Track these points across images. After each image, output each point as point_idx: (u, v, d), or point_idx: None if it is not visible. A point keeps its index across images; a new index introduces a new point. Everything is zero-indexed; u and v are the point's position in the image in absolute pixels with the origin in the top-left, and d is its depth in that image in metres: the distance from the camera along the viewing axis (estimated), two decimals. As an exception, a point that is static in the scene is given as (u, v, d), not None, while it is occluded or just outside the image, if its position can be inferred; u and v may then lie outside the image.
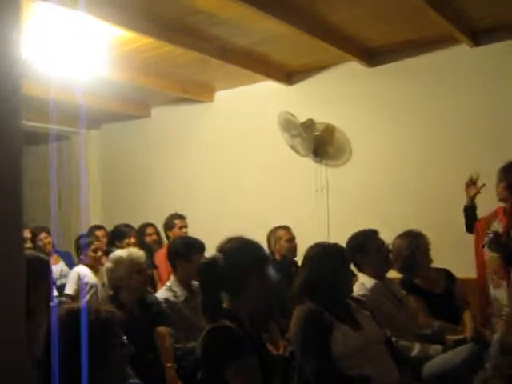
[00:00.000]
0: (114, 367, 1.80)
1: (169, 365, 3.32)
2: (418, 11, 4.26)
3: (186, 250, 3.88)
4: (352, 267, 3.36)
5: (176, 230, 5.59)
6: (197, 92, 6.38)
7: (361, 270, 3.58)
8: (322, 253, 2.99)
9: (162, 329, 3.46)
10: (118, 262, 3.47)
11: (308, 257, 3.02)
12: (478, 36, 4.85)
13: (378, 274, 3.56)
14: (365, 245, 3.57)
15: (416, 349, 3.26)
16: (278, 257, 4.84)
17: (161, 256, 5.11)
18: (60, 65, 4.80)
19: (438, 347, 3.31)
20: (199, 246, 3.90)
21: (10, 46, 0.96)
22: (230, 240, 2.48)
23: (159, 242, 5.94)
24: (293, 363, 2.87)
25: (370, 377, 2.68)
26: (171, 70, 5.58)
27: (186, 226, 5.66)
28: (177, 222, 5.65)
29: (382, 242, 3.65)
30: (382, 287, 3.50)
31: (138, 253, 3.56)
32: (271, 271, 2.47)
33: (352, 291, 3.13)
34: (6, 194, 0.95)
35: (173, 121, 6.97)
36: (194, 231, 5.39)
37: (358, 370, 2.71)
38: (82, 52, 4.66)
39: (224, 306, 2.41)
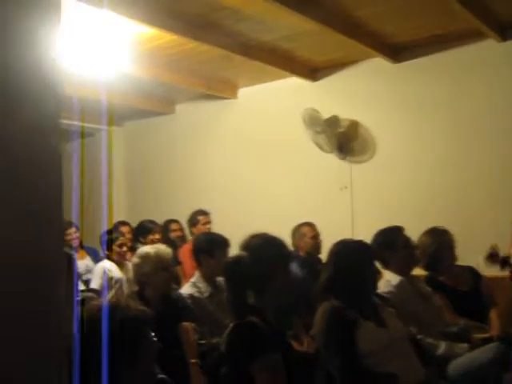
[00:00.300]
0: (143, 364, 1.81)
1: (193, 360, 3.33)
2: (443, 6, 4.21)
3: (209, 246, 3.89)
4: (377, 264, 3.34)
5: (200, 226, 5.61)
6: (221, 88, 6.39)
7: (387, 266, 3.55)
8: (347, 249, 2.98)
9: (186, 324, 3.48)
10: (145, 258, 3.48)
11: (333, 253, 3.01)
12: (506, 31, 4.77)
13: (404, 270, 3.53)
14: (392, 241, 3.55)
15: (442, 347, 3.23)
16: (302, 253, 4.83)
17: (185, 252, 5.13)
18: (84, 62, 4.84)
19: (465, 346, 3.27)
20: (223, 242, 3.91)
21: (50, 48, 0.97)
22: (254, 237, 2.49)
23: (183, 238, 5.96)
24: (317, 360, 2.86)
25: (395, 374, 2.67)
26: (195, 66, 5.60)
27: (209, 222, 5.67)
28: (200, 218, 5.66)
29: (408, 238, 3.63)
30: (407, 284, 3.47)
31: (165, 250, 3.57)
32: (294, 267, 2.48)
33: (376, 288, 3.11)
34: (46, 194, 0.96)
35: (197, 117, 6.99)
36: (217, 227, 5.39)
37: (383, 367, 2.69)
38: (107, 49, 4.70)
39: (251, 302, 2.41)
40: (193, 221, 5.68)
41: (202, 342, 3.56)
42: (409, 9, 4.39)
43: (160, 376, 2.01)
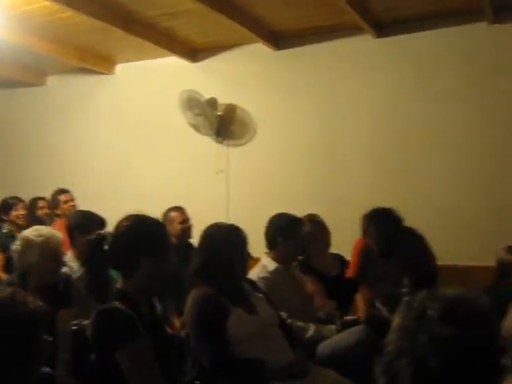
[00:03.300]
0: (34, 366, 1.66)
1: (61, 355, 3.07)
2: (326, -1, 4.31)
3: (85, 224, 3.67)
4: (266, 244, 3.39)
5: (63, 206, 5.34)
6: (97, 62, 6.13)
7: (273, 249, 3.57)
8: (219, 234, 2.94)
9: (64, 311, 3.15)
10: (29, 245, 3.06)
11: (204, 238, 2.95)
12: (382, 28, 4.99)
13: (287, 260, 3.57)
14: (290, 229, 3.56)
15: (311, 330, 3.32)
16: (173, 239, 4.65)
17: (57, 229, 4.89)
18: None
19: (332, 328, 3.40)
20: (99, 221, 3.70)
21: None
22: (128, 217, 2.37)
23: (51, 216, 5.68)
24: (188, 345, 2.83)
25: (263, 360, 2.69)
26: (71, 37, 5.32)
27: (72, 200, 5.40)
28: (61, 197, 5.38)
29: (303, 233, 3.67)
30: (282, 271, 3.52)
31: (53, 236, 3.15)
32: (170, 253, 2.38)
33: (247, 274, 3.12)
34: None
35: (70, 91, 6.66)
36: (87, 207, 5.16)
37: (252, 354, 2.71)
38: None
39: (118, 286, 2.33)
40: (54, 202, 5.39)
41: (75, 322, 3.34)
42: (293, -2, 4.45)
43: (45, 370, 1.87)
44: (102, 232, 2.32)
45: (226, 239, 2.89)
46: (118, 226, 2.34)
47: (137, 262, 2.25)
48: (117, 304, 2.21)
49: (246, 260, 3.01)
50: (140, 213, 2.39)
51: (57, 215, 5.42)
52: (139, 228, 2.32)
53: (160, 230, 2.40)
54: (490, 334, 1.26)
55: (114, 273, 2.38)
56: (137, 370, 2.14)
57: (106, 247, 2.28)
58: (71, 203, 5.38)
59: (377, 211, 3.83)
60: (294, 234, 3.55)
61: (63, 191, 5.44)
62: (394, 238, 3.65)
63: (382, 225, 3.70)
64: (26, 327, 1.66)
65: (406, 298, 1.37)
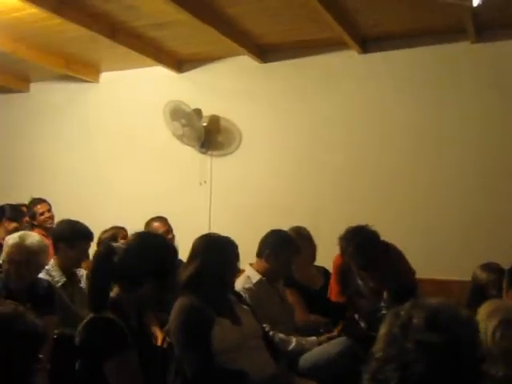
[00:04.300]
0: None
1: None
2: (312, 13, 4.36)
3: (70, 235, 3.66)
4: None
5: (39, 218, 5.27)
6: (82, 70, 6.11)
7: (260, 260, 3.56)
8: (215, 245, 2.95)
9: (47, 318, 3.16)
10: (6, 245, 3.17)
11: (199, 247, 2.95)
12: (366, 43, 5.07)
13: (272, 277, 3.55)
14: (281, 247, 3.53)
15: (293, 343, 3.33)
16: None
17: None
18: None
19: (314, 339, 3.41)
20: (86, 234, 3.69)
21: None
22: (140, 234, 2.43)
23: (31, 224, 5.62)
24: (171, 355, 2.83)
25: (245, 370, 2.71)
26: (56, 44, 5.30)
27: (49, 210, 5.31)
28: (37, 207, 5.28)
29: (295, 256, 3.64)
30: (266, 283, 3.51)
31: (33, 238, 3.22)
32: (173, 278, 2.40)
33: (234, 286, 3.14)
34: None
35: (53, 98, 6.61)
36: (67, 216, 5.12)
37: (235, 365, 2.72)
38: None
39: (111, 295, 2.33)
40: (30, 213, 5.26)
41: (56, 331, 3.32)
42: (280, 12, 4.49)
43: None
44: (112, 244, 2.33)
45: (222, 251, 2.92)
46: (130, 241, 2.40)
47: (140, 283, 2.28)
48: (109, 314, 2.22)
49: (235, 273, 3.07)
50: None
51: (34, 225, 5.33)
52: (151, 247, 2.36)
53: (171, 252, 2.44)
54: (474, 340, 1.31)
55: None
56: (124, 380, 2.15)
57: (115, 260, 2.29)
58: (47, 214, 5.27)
59: (355, 231, 3.77)
60: (282, 253, 3.52)
61: (40, 201, 5.34)
62: (373, 255, 3.68)
63: (362, 244, 3.69)
64: (26, 345, 1.65)
65: (384, 313, 1.43)
